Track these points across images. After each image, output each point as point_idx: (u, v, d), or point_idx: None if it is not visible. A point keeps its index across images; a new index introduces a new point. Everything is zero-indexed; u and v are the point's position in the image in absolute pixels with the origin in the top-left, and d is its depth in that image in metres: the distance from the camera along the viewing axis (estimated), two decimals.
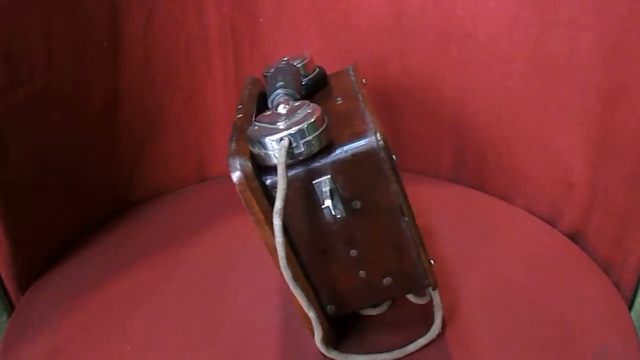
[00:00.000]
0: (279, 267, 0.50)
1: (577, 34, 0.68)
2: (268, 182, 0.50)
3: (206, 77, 0.88)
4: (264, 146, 0.49)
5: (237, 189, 0.49)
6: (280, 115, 0.50)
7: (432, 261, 0.55)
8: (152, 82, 0.85)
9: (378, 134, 0.49)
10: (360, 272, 0.55)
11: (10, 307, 0.72)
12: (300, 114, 0.49)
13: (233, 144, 0.50)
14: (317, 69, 0.62)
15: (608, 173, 0.70)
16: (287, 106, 0.51)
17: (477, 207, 0.83)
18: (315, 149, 0.49)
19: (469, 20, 0.76)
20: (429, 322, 0.60)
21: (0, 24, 0.67)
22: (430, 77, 0.82)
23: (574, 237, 0.75)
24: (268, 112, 0.53)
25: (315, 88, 0.61)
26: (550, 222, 0.78)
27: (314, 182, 0.50)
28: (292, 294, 0.52)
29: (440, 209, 0.80)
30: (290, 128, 0.48)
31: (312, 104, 0.51)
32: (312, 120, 0.48)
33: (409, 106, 0.85)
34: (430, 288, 0.57)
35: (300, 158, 0.49)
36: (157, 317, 0.66)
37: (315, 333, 0.55)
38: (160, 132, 0.88)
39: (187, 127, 0.89)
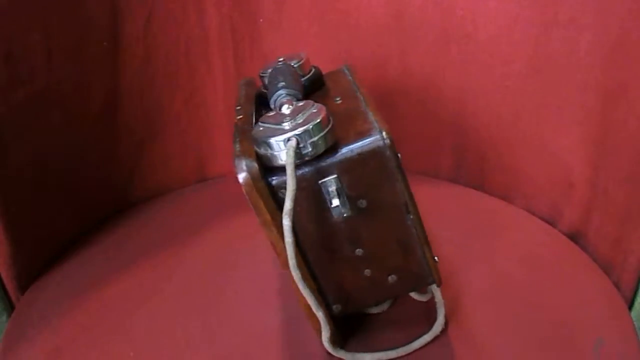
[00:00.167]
0: (286, 268, 0.50)
1: (577, 34, 0.68)
2: (274, 182, 0.50)
3: (206, 77, 0.88)
4: (270, 147, 0.48)
5: (243, 190, 0.48)
6: (284, 115, 0.50)
7: (436, 258, 0.55)
8: (152, 82, 0.84)
9: (384, 133, 0.50)
10: (366, 270, 0.55)
11: (10, 307, 0.72)
12: (305, 114, 0.49)
13: (238, 145, 0.50)
14: (313, 69, 0.62)
15: (608, 173, 0.70)
16: (290, 106, 0.51)
17: (477, 206, 0.83)
18: (322, 149, 0.49)
19: (469, 20, 0.76)
20: (431, 319, 0.60)
21: (0, 24, 0.67)
22: (430, 77, 0.82)
23: (574, 237, 0.75)
24: (272, 113, 0.52)
25: (312, 88, 0.61)
26: (550, 222, 0.78)
27: (320, 182, 0.50)
28: (295, 294, 0.52)
29: (440, 209, 0.80)
30: (297, 128, 0.48)
31: (316, 104, 0.51)
32: (318, 120, 0.48)
33: (409, 106, 0.85)
34: (432, 285, 0.57)
35: (307, 158, 0.49)
36: (157, 317, 0.66)
37: (323, 333, 0.55)
38: (160, 132, 0.87)
39: (187, 127, 0.89)
